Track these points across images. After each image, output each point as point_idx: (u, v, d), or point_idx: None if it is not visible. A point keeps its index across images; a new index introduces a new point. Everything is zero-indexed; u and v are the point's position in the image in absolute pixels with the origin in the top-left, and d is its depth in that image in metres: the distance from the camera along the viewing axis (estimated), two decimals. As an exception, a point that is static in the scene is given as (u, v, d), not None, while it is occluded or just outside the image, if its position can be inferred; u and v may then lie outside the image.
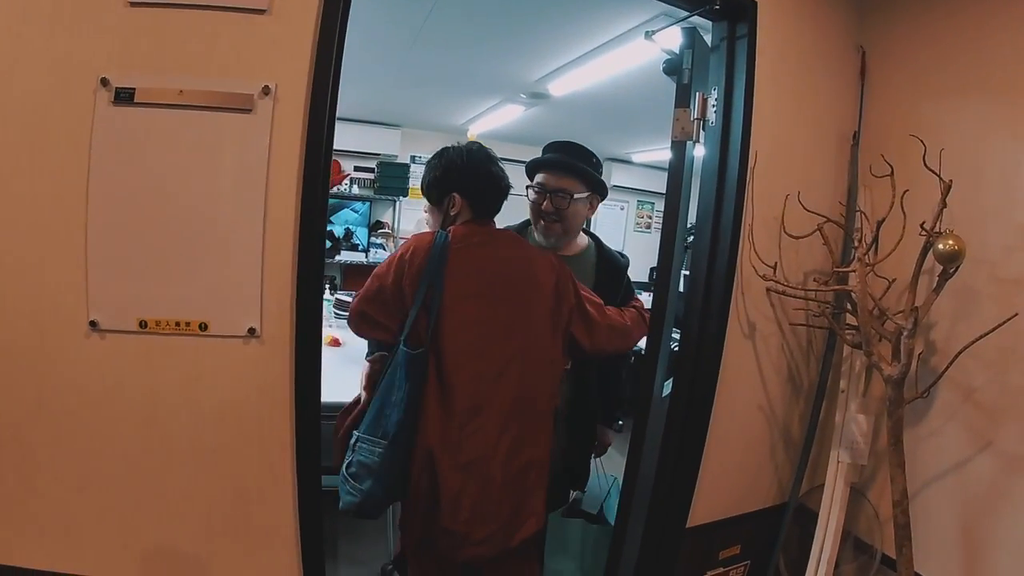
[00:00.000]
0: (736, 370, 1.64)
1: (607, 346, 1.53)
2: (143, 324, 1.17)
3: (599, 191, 1.74)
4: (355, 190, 5.23)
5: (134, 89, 1.14)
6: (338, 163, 5.07)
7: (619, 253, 1.83)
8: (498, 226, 1.51)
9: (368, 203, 5.25)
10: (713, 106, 1.59)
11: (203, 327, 1.19)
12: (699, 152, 1.63)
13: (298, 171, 1.19)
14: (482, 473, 1.32)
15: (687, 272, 1.74)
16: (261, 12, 1.17)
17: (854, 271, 1.51)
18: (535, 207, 1.71)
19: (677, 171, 1.69)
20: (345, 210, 5.20)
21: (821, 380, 1.76)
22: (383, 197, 5.31)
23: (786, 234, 1.62)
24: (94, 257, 1.15)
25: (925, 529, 1.50)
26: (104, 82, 1.13)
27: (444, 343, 1.31)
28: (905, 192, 1.45)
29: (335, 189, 5.05)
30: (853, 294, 1.52)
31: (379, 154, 5.21)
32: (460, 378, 1.31)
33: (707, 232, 1.61)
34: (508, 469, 1.35)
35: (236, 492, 1.25)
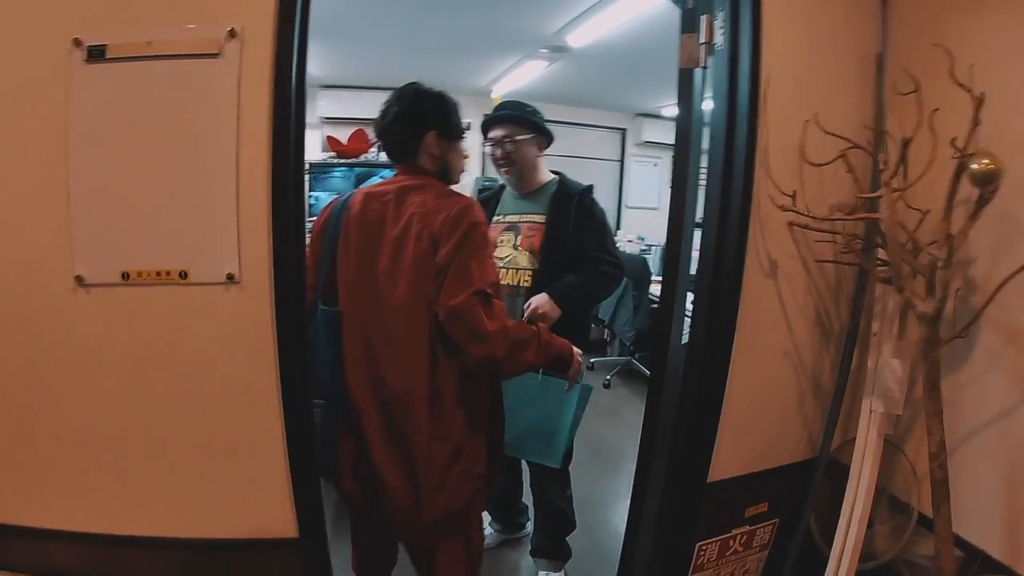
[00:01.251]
0: (757, 313, 1.60)
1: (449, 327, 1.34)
2: (126, 276, 1.25)
3: (542, 133, 2.13)
4: (382, 157, 5.21)
5: (105, 46, 1.22)
6: (364, 132, 5.20)
7: (585, 186, 2.11)
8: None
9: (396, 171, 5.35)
10: (720, 28, 1.55)
11: (183, 275, 1.26)
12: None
13: (268, 113, 1.24)
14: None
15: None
16: (221, -47, 1.22)
17: (881, 197, 1.45)
18: (492, 159, 2.15)
19: (685, 101, 1.68)
20: (374, 178, 5.14)
21: (853, 323, 1.69)
22: None
23: (807, 163, 1.56)
24: (77, 213, 1.24)
25: (965, 486, 1.43)
26: (77, 42, 1.21)
27: (339, 300, 1.43)
28: (934, 111, 1.37)
29: (363, 157, 5.24)
30: (882, 223, 1.46)
31: None
32: (346, 335, 1.42)
33: (718, 160, 1.57)
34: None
35: (226, 442, 1.33)
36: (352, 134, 5.32)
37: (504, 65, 4.29)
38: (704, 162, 1.63)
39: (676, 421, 1.65)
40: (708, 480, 1.63)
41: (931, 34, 1.51)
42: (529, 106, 2.17)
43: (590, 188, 2.11)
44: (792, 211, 1.54)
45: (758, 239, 1.58)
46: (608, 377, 4.56)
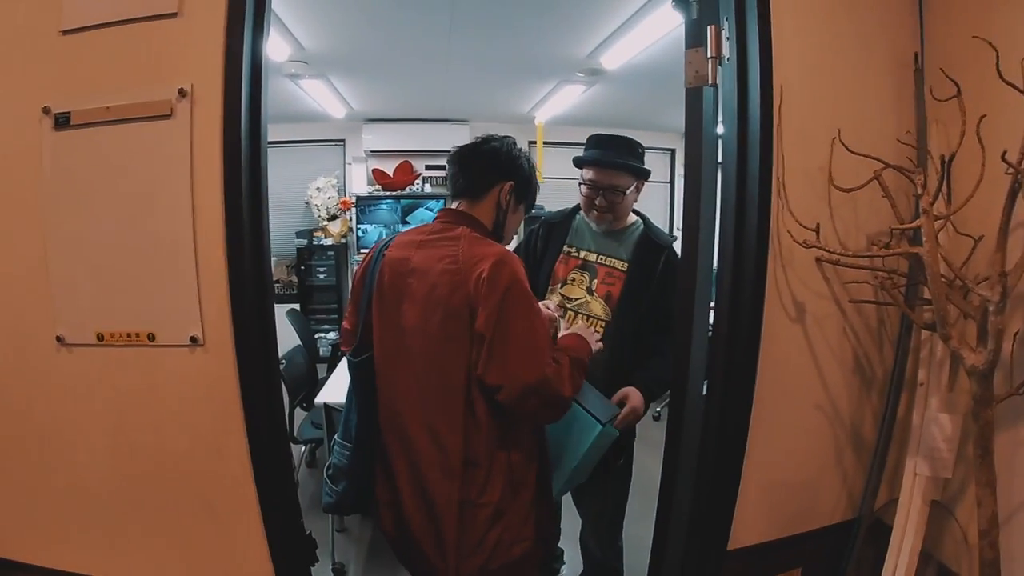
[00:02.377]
0: (781, 362, 1.48)
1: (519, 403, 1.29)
2: (100, 337, 1.35)
3: (644, 176, 1.97)
4: (427, 189, 5.74)
5: (70, 112, 1.31)
6: (409, 164, 5.61)
7: (672, 238, 1.94)
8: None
9: (442, 200, 5.64)
10: (727, 38, 1.43)
11: (151, 337, 1.34)
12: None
13: (220, 169, 1.28)
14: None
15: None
16: (172, 16, 1.27)
17: (920, 227, 1.29)
18: (588, 201, 1.96)
19: (695, 126, 1.56)
20: (420, 209, 5.65)
21: (897, 369, 1.53)
22: None
23: (835, 187, 1.42)
24: (55, 275, 1.35)
25: (1021, 561, 1.27)
26: (46, 110, 1.31)
27: (375, 347, 1.41)
28: (982, 119, 1.21)
29: (408, 189, 5.61)
30: (925, 257, 1.31)
31: (449, 151, 5.43)
32: (380, 382, 1.41)
33: (731, 192, 1.46)
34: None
35: (203, 497, 1.40)
36: (397, 166, 5.64)
37: (543, 91, 4.44)
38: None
39: (695, 483, 1.56)
40: (728, 548, 1.53)
41: (972, 25, 1.33)
42: (637, 144, 2.00)
43: (675, 240, 1.95)
44: (816, 246, 1.41)
45: (780, 279, 1.45)
46: (658, 409, 4.41)
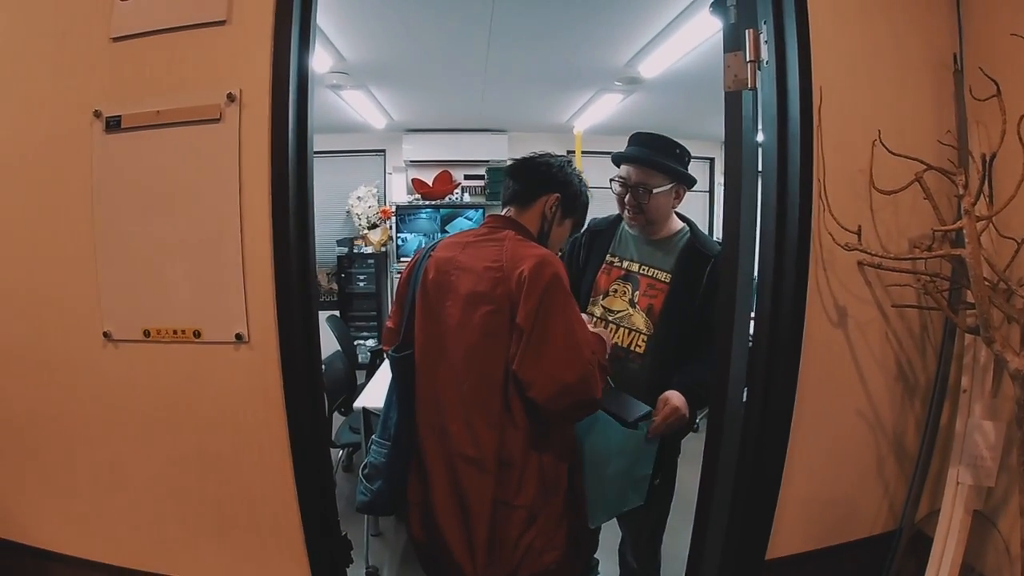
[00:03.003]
0: (823, 368, 1.50)
1: (554, 401, 1.34)
2: (147, 333, 1.43)
3: (685, 181, 1.94)
4: (467, 198, 6.02)
5: (121, 116, 1.40)
6: (448, 173, 5.88)
7: (716, 242, 1.91)
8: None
9: (481, 210, 5.95)
10: (766, 42, 1.47)
11: (196, 334, 1.41)
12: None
13: (268, 172, 1.35)
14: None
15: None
16: (221, 23, 1.35)
17: (962, 228, 1.32)
18: (619, 199, 1.95)
19: (735, 131, 1.60)
20: (459, 218, 5.95)
21: (940, 376, 1.54)
22: (495, 203, 5.88)
23: (876, 190, 1.45)
24: (103, 273, 1.43)
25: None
26: (97, 114, 1.40)
27: (415, 346, 1.46)
28: (1022, 118, 1.23)
29: (447, 199, 5.90)
30: (968, 259, 1.33)
31: (487, 161, 5.90)
32: (419, 381, 1.45)
33: (771, 195, 1.49)
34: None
35: (243, 494, 1.47)
36: (437, 176, 5.87)
37: (581, 100, 4.54)
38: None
39: (733, 491, 1.58)
40: (767, 558, 1.55)
41: (1010, 23, 1.36)
42: (678, 145, 1.97)
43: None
44: (858, 249, 1.43)
45: (821, 283, 1.48)
46: (697, 421, 4.42)
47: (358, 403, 2.54)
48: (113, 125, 1.41)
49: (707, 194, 6.34)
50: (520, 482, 1.38)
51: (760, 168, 1.54)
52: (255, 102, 1.35)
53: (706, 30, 2.67)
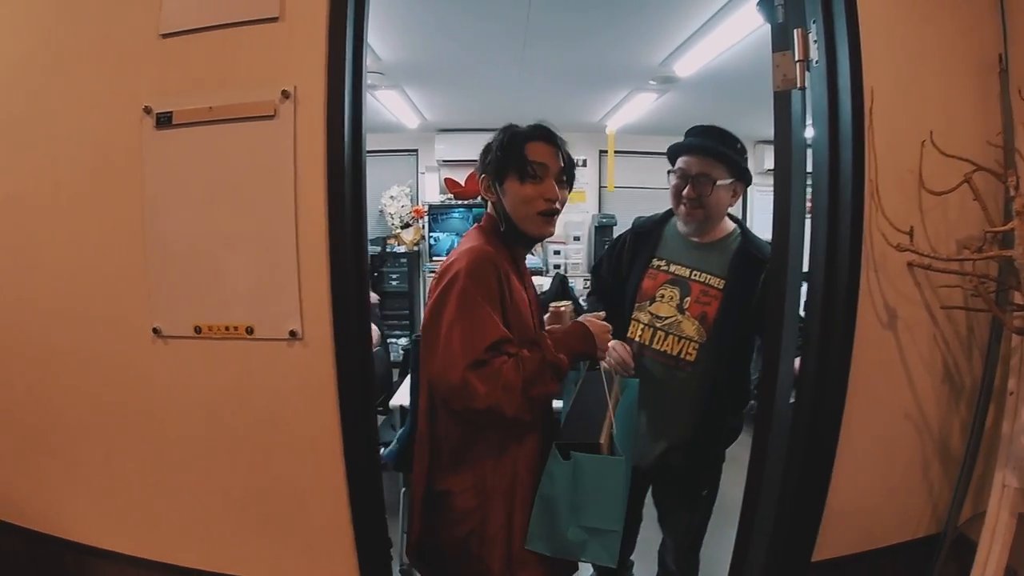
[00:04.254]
0: (873, 369, 1.57)
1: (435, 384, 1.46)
2: (198, 329, 1.50)
3: (743, 178, 1.95)
4: None
5: (172, 112, 1.47)
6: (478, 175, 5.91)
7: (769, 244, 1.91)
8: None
9: None
10: (815, 41, 1.55)
11: (249, 330, 1.49)
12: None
13: (324, 170, 1.42)
14: None
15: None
16: (274, 20, 1.42)
17: (1012, 229, 1.40)
18: (675, 192, 1.95)
19: (783, 129, 1.67)
20: None
21: (986, 379, 1.62)
22: None
23: (926, 191, 1.53)
24: (154, 269, 1.51)
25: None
26: (147, 110, 1.48)
27: None
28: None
29: (479, 198, 5.73)
30: (1015, 261, 1.41)
31: None
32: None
33: (822, 195, 1.56)
34: None
35: (293, 492, 1.55)
36: (469, 175, 6.05)
37: (615, 99, 4.71)
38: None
39: (780, 492, 1.65)
40: (812, 559, 1.63)
41: None
42: (739, 142, 1.99)
43: None
44: (910, 250, 1.51)
45: (872, 285, 1.55)
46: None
47: (394, 401, 2.63)
48: (164, 121, 1.48)
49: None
50: (452, 469, 1.52)
51: (809, 168, 1.62)
52: (310, 99, 1.42)
53: (743, 28, 2.75)
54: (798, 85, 1.59)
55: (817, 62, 1.54)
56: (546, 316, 1.83)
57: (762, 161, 6.10)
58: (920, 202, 1.56)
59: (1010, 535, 1.51)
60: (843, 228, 1.52)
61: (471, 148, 5.82)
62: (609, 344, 1.69)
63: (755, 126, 5.56)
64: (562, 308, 1.81)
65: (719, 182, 1.88)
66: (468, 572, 1.53)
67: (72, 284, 1.58)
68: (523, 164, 1.58)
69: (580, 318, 1.69)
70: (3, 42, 1.59)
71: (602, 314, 1.73)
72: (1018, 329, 1.47)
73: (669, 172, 1.96)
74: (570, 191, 1.71)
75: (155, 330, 1.53)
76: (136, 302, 1.53)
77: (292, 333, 1.47)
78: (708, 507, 2.09)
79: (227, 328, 1.50)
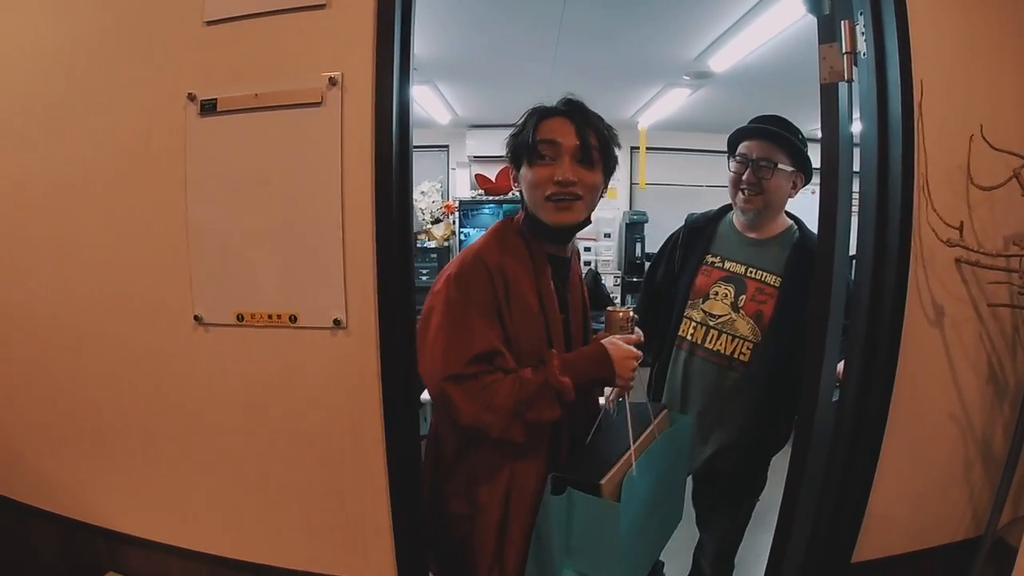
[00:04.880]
0: (920, 367, 1.58)
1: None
2: (240, 317, 1.52)
3: (804, 170, 1.95)
4: None
5: (216, 99, 1.49)
6: (509, 169, 5.95)
7: None
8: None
9: None
10: (862, 33, 1.56)
11: (293, 319, 1.51)
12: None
13: (371, 158, 1.44)
14: None
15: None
16: (320, 7, 1.44)
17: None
18: (735, 179, 1.95)
19: (832, 126, 1.67)
20: None
21: (1033, 379, 1.63)
22: None
23: (974, 185, 1.54)
24: (196, 257, 1.53)
25: None
26: (191, 97, 1.50)
27: None
28: None
29: (510, 194, 6.27)
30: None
31: None
32: None
33: (871, 188, 1.57)
34: None
35: (332, 482, 1.56)
36: (500, 171, 6.29)
37: (648, 94, 4.77)
38: (855, 188, 1.63)
39: (820, 492, 1.67)
40: (852, 561, 1.64)
41: None
42: (800, 132, 1.99)
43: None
44: (960, 245, 1.52)
45: (921, 280, 1.56)
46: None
47: (425, 395, 2.63)
48: (208, 108, 1.50)
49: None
50: (447, 474, 1.60)
51: (857, 161, 1.63)
52: (357, 86, 1.44)
53: (779, 23, 2.79)
54: (846, 78, 1.60)
55: (865, 54, 1.56)
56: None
57: (799, 158, 6.15)
58: (968, 197, 1.56)
59: (1054, 536, 1.52)
60: (892, 223, 1.53)
61: (502, 144, 6.02)
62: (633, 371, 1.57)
63: (792, 121, 5.69)
64: (620, 313, 1.66)
65: (780, 166, 1.89)
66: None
67: (112, 271, 1.61)
68: (532, 144, 1.55)
69: (605, 340, 1.58)
70: (45, 28, 1.62)
71: (635, 336, 1.64)
72: (1068, 327, 1.48)
73: (729, 158, 1.96)
74: (607, 175, 1.62)
75: (196, 318, 1.55)
76: (177, 290, 1.56)
77: (336, 322, 1.49)
78: (748, 513, 2.10)
79: (270, 316, 1.52)
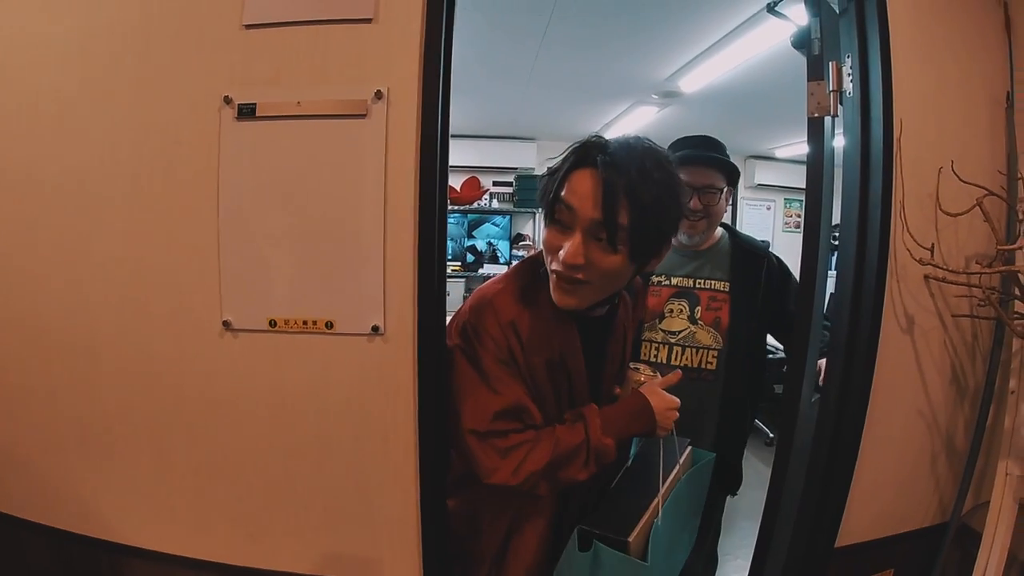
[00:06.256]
0: (894, 371, 1.82)
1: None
2: (272, 323, 1.57)
3: (733, 181, 2.11)
4: (495, 204, 6.77)
5: (255, 104, 1.54)
6: (477, 179, 6.56)
7: (763, 242, 2.14)
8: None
9: (508, 216, 6.74)
10: (848, 74, 1.79)
11: (329, 325, 1.56)
12: (838, 142, 1.83)
13: (415, 170, 1.52)
14: None
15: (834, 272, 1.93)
16: (367, 21, 1.52)
17: (1021, 248, 1.68)
18: None
19: (817, 154, 1.89)
20: (487, 224, 6.73)
21: (988, 380, 1.91)
22: (522, 210, 6.83)
23: (942, 212, 1.79)
24: (226, 261, 1.56)
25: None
26: (227, 100, 1.54)
27: None
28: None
29: (476, 204, 6.57)
30: (1021, 275, 1.69)
31: (516, 168, 6.58)
32: None
33: (853, 214, 1.80)
34: None
35: (359, 488, 1.62)
36: (465, 181, 6.48)
37: (616, 111, 5.00)
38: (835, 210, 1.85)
39: (805, 485, 1.87)
40: (836, 545, 1.85)
41: None
42: (720, 142, 2.14)
43: (768, 244, 2.12)
44: (930, 263, 1.77)
45: (895, 294, 1.80)
46: (771, 435, 5.07)
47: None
48: (246, 113, 1.54)
49: (730, 207, 7.08)
50: (453, 488, 1.64)
51: (836, 187, 1.86)
52: (402, 100, 1.53)
53: (753, 48, 3.02)
54: (831, 113, 1.83)
55: (851, 94, 1.79)
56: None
57: (752, 176, 6.81)
58: (936, 222, 1.82)
59: (1012, 518, 1.78)
60: (871, 243, 1.76)
61: (468, 154, 6.40)
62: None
63: (748, 142, 6.25)
64: (641, 377, 1.63)
65: (725, 189, 2.06)
66: None
67: (133, 275, 1.61)
68: (551, 200, 1.40)
69: (645, 388, 1.56)
70: (71, 20, 1.60)
71: (674, 376, 1.64)
72: (1021, 333, 1.75)
73: None
74: (638, 258, 1.37)
75: (225, 323, 1.57)
76: (205, 294, 1.58)
77: (375, 328, 1.56)
78: (723, 506, 2.28)
79: (304, 322, 1.57)
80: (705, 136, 2.18)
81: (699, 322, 2.07)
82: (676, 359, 2.09)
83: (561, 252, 1.34)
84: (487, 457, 1.43)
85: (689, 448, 1.79)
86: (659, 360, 2.13)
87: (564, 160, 1.41)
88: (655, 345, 2.12)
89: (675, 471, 1.63)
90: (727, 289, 2.08)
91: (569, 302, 1.41)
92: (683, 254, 2.15)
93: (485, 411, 1.43)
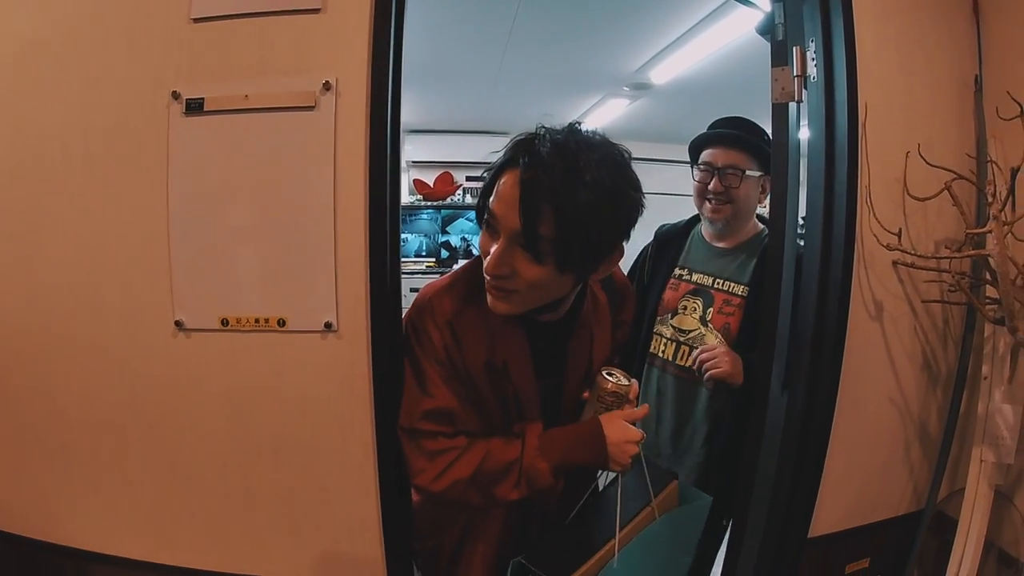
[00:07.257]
0: (863, 358, 1.81)
1: None
2: (225, 322, 1.56)
3: (767, 167, 1.95)
4: (468, 200, 6.73)
5: (203, 99, 1.53)
6: (450, 174, 6.62)
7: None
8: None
9: None
10: (812, 59, 1.78)
11: (281, 323, 1.56)
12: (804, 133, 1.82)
13: (364, 162, 1.52)
14: None
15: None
16: (316, 11, 1.51)
17: (990, 232, 1.67)
18: (701, 188, 1.98)
19: (781, 140, 1.89)
20: (460, 220, 6.71)
21: (961, 366, 1.91)
22: None
23: (910, 196, 1.79)
24: (177, 260, 1.56)
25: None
26: (175, 95, 1.53)
27: None
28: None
29: (448, 200, 6.60)
30: (991, 259, 1.68)
31: (489, 163, 6.18)
32: None
33: (819, 200, 1.79)
34: None
35: (318, 484, 1.62)
36: (438, 177, 6.56)
37: (587, 104, 5.05)
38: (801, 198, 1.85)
39: (776, 475, 1.86)
40: (809, 536, 1.85)
41: None
42: (767, 133, 1.95)
43: None
44: (898, 249, 1.76)
45: (863, 281, 1.80)
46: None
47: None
48: (194, 108, 1.54)
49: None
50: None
51: (805, 174, 1.86)
52: (351, 91, 1.52)
53: (722, 38, 3.05)
54: (796, 99, 1.83)
55: (815, 79, 1.78)
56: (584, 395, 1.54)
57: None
58: (904, 207, 1.82)
59: (988, 505, 1.78)
60: (838, 229, 1.75)
61: (441, 150, 6.44)
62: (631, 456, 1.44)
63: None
64: (609, 386, 1.47)
65: (748, 172, 1.93)
66: None
67: (85, 275, 1.60)
68: (481, 204, 1.37)
69: (604, 417, 1.44)
70: (15, 11, 1.59)
71: (641, 411, 1.53)
72: (992, 318, 1.75)
73: (693, 167, 2.01)
74: (572, 273, 1.29)
75: (177, 323, 1.57)
76: (157, 294, 1.57)
77: (327, 325, 1.55)
78: (726, 529, 2.11)
79: (256, 320, 1.56)
80: (739, 117, 2.07)
81: (709, 324, 1.99)
82: (683, 359, 2.03)
83: (486, 259, 1.29)
84: (415, 457, 1.44)
85: (674, 483, 1.68)
86: (665, 356, 2.08)
87: (503, 158, 1.34)
88: (664, 340, 2.07)
89: (645, 509, 1.53)
90: (744, 294, 1.99)
91: (501, 308, 1.34)
92: (713, 251, 2.07)
93: (415, 409, 1.43)
